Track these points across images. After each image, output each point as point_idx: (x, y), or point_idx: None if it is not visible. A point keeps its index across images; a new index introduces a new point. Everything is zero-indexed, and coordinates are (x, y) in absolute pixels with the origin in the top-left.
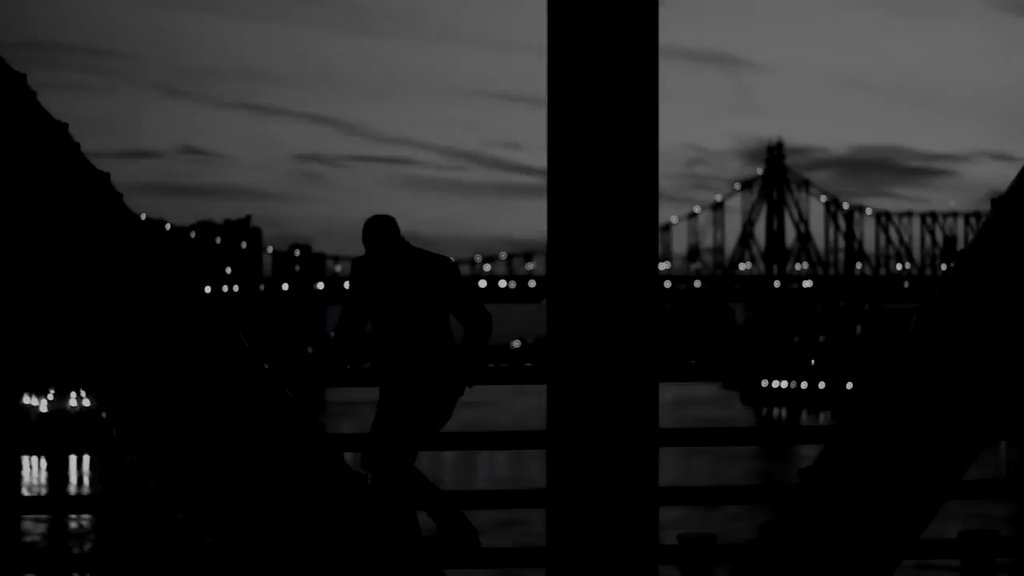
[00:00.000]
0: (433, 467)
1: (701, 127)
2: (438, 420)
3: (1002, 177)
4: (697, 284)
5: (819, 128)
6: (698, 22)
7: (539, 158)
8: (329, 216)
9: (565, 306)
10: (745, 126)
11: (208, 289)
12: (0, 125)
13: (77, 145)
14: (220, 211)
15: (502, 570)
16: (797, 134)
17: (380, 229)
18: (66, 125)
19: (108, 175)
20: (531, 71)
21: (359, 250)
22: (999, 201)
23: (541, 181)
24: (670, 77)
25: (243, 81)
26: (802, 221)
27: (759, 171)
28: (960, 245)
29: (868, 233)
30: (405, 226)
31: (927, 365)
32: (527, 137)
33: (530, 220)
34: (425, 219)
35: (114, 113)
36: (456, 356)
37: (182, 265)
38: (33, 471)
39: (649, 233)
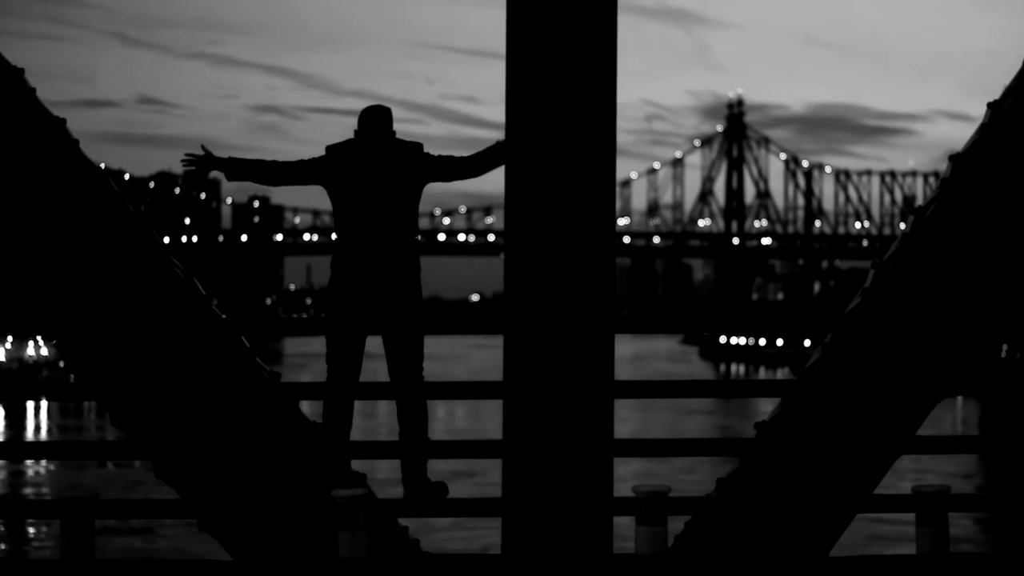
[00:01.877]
0: (391, 418)
1: (658, 83)
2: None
3: (960, 137)
4: (656, 240)
5: (777, 86)
6: None
7: (497, 112)
8: None
9: (523, 259)
10: (702, 83)
11: (166, 239)
12: None
13: (33, 90)
14: (178, 161)
15: (459, 520)
16: (755, 91)
17: (380, 117)
18: (22, 70)
19: (64, 121)
20: (488, 25)
21: (318, 203)
22: (957, 158)
23: (499, 134)
24: (627, 33)
25: (200, 31)
26: (761, 179)
27: (719, 128)
28: (919, 204)
29: (827, 191)
30: None
31: (883, 321)
32: (484, 91)
33: (489, 174)
34: None
35: (71, 62)
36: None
37: (138, 212)
38: None
39: (606, 187)
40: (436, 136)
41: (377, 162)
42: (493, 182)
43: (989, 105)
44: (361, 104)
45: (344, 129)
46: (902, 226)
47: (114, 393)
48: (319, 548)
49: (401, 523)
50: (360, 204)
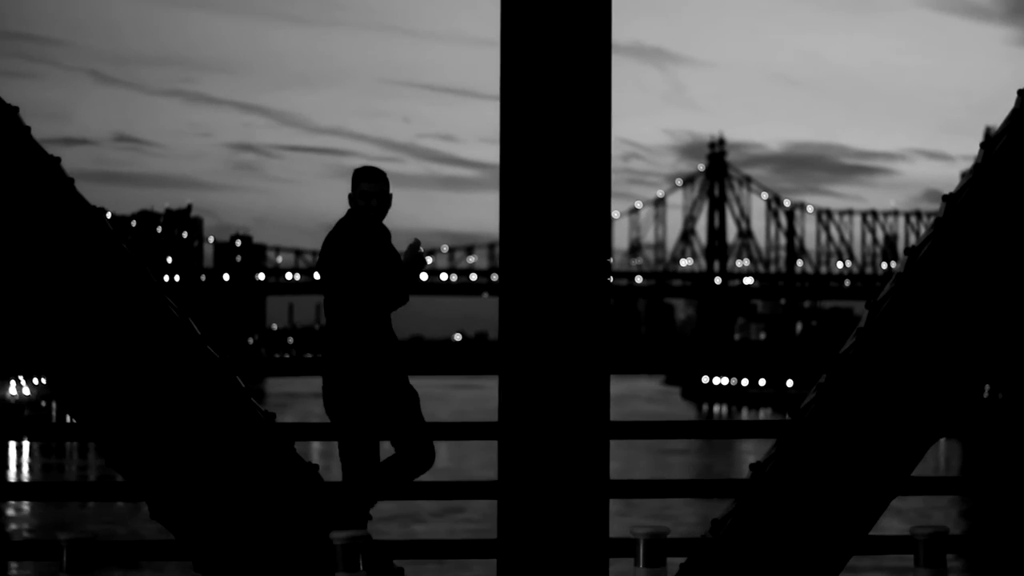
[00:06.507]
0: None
1: (635, 122)
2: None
3: (938, 175)
4: (638, 280)
5: (753, 124)
6: (632, 17)
7: (474, 150)
8: (265, 206)
9: (518, 299)
10: (679, 121)
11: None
12: None
13: (28, 128)
14: (155, 199)
15: (454, 561)
16: (731, 130)
17: (380, 178)
18: (16, 108)
19: (59, 159)
20: (465, 64)
21: (298, 240)
22: (951, 198)
23: (478, 174)
24: None
25: (175, 68)
26: (743, 218)
27: (700, 167)
28: (901, 244)
29: (809, 231)
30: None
31: (879, 361)
32: (460, 129)
33: (468, 213)
34: None
35: (47, 100)
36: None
37: (134, 251)
38: None
39: (601, 228)
40: (412, 175)
41: (367, 246)
42: (476, 221)
43: (982, 145)
44: (338, 142)
45: (320, 168)
46: (884, 265)
47: (110, 433)
48: None
49: (396, 564)
50: (363, 284)
